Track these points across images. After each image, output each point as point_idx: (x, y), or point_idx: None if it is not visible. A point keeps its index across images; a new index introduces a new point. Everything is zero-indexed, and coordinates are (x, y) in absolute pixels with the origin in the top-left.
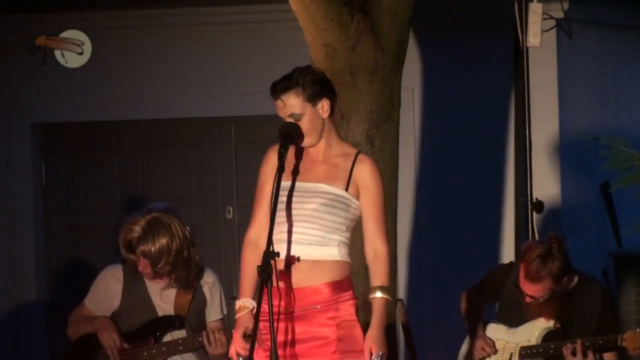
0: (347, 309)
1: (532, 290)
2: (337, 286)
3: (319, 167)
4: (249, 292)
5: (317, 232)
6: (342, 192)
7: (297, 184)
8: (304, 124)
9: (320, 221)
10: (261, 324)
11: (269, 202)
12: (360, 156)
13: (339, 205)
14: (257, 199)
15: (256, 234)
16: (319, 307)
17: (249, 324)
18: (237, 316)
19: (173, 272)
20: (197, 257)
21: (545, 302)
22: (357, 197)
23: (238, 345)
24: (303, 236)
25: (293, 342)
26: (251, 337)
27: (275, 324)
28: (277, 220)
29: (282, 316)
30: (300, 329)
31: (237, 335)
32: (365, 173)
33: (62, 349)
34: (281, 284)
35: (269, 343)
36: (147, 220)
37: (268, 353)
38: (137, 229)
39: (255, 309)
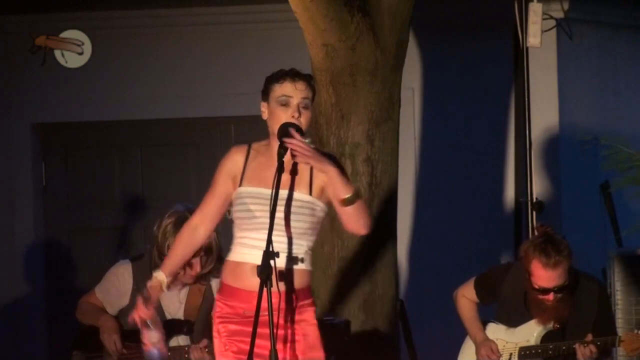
0: (310, 314)
1: (551, 279)
2: (301, 294)
3: (286, 174)
4: (169, 269)
5: (285, 238)
6: (307, 197)
7: (264, 190)
8: (307, 117)
9: (287, 229)
10: (240, 326)
11: (219, 198)
12: None
13: (304, 211)
14: (209, 190)
15: (198, 221)
16: (282, 312)
17: (151, 293)
18: (147, 285)
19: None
20: (219, 249)
21: (560, 301)
22: (321, 198)
23: (140, 310)
24: (275, 245)
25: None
26: (250, 343)
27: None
28: (249, 227)
29: (248, 320)
30: (267, 331)
31: (139, 300)
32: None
33: (64, 343)
34: (251, 289)
35: (239, 345)
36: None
37: (238, 356)
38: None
39: (164, 284)
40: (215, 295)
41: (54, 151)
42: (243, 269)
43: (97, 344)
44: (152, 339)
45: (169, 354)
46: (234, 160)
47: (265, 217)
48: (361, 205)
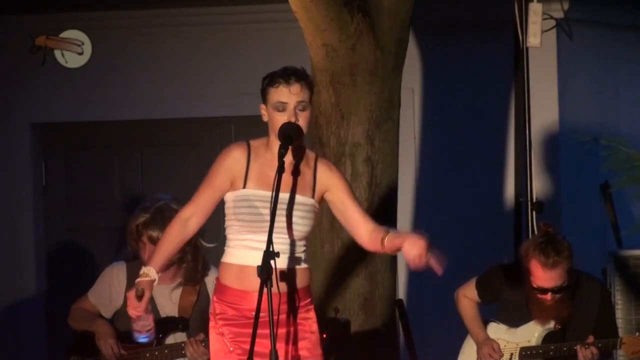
0: (312, 313)
1: (550, 280)
2: (304, 292)
3: (289, 176)
4: (158, 264)
5: (288, 240)
6: (311, 201)
7: (267, 193)
8: (306, 117)
9: (295, 233)
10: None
11: (216, 191)
12: (319, 161)
13: (310, 215)
14: (205, 183)
15: (189, 214)
16: (293, 312)
17: (144, 287)
18: (137, 281)
19: (179, 264)
20: (205, 248)
21: (558, 301)
22: (319, 200)
23: (131, 305)
24: (277, 246)
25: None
26: (251, 343)
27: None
28: (255, 229)
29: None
30: (277, 330)
31: (131, 295)
32: (330, 174)
33: (63, 346)
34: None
35: (244, 347)
36: (156, 207)
37: (242, 357)
38: (146, 214)
39: (156, 281)
40: (213, 297)
41: (54, 151)
42: (249, 272)
43: (94, 348)
44: (146, 327)
45: (166, 351)
46: (236, 158)
47: (276, 220)
48: None
